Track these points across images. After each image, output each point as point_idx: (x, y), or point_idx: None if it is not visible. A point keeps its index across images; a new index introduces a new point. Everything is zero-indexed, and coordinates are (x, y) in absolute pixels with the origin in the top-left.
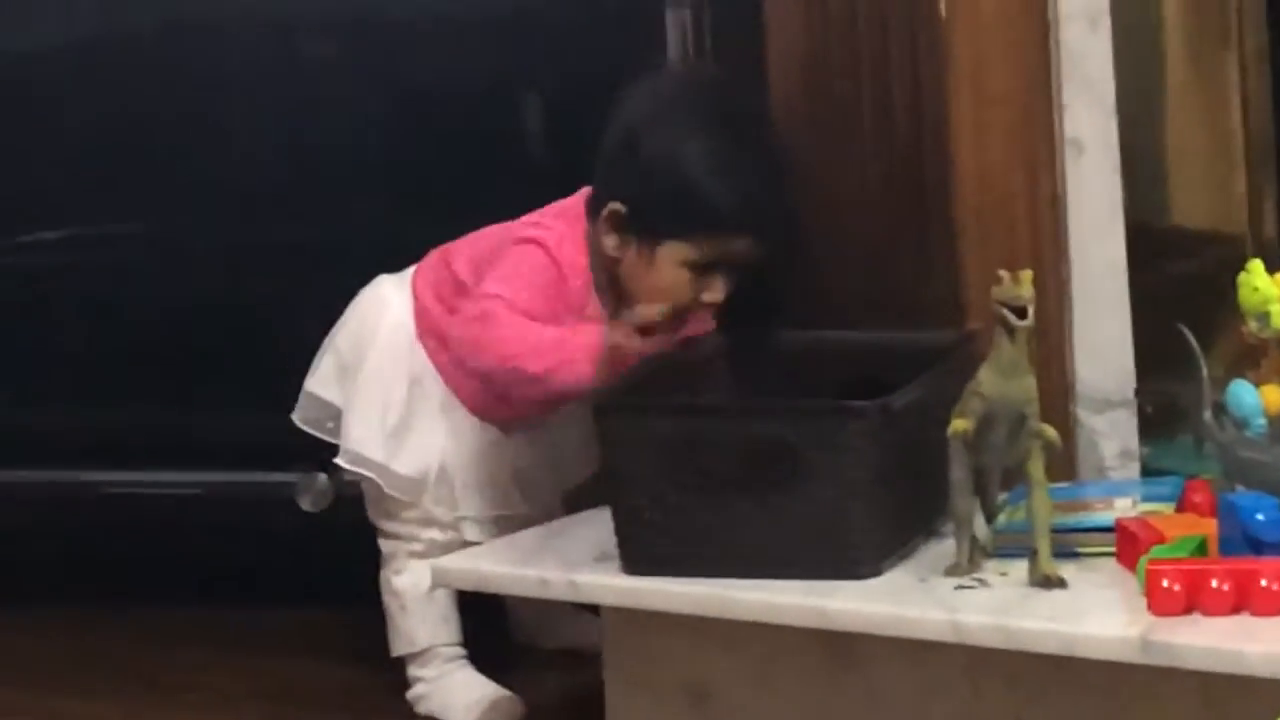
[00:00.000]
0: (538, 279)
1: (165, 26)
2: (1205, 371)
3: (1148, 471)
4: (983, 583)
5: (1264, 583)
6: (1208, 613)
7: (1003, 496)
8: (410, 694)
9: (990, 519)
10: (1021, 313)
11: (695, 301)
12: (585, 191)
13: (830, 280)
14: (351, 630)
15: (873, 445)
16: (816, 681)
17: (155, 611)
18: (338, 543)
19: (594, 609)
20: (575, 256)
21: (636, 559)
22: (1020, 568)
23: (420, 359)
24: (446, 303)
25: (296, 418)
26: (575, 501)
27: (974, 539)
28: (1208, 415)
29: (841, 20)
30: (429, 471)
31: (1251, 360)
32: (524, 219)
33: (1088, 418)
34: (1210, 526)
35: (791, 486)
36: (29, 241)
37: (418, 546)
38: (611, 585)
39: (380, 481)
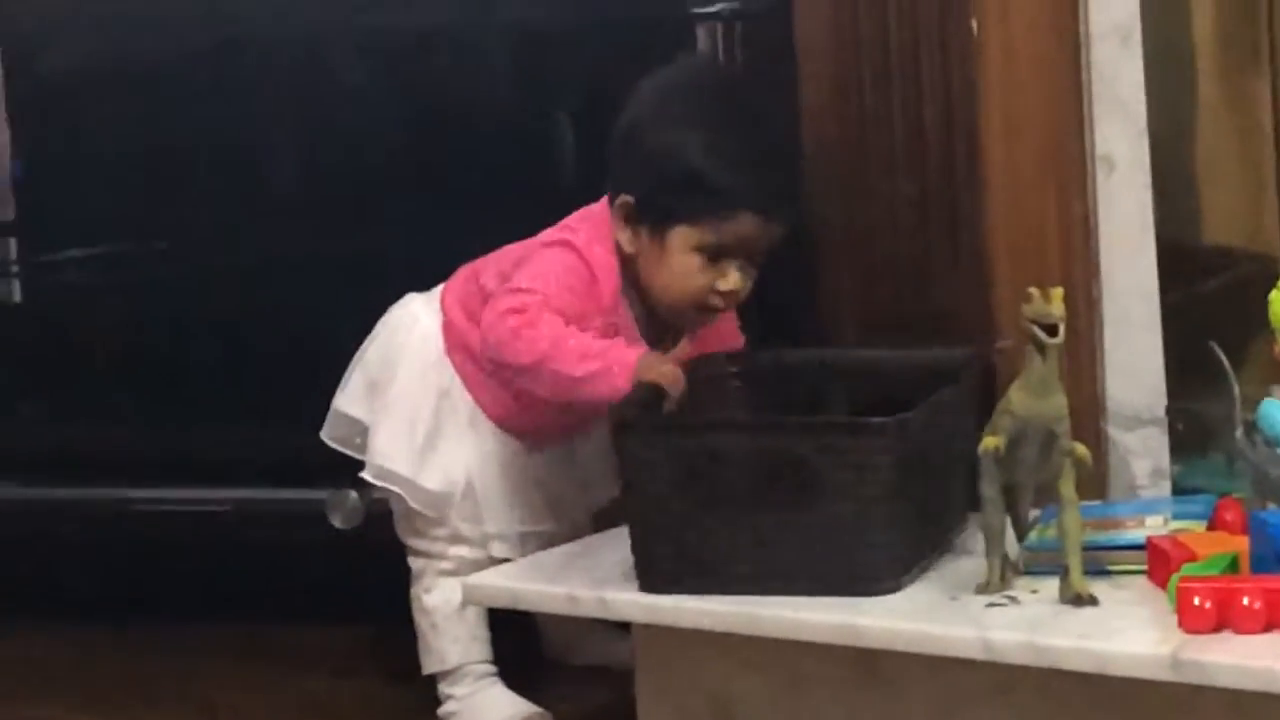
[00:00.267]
0: (569, 279)
1: (192, 46)
2: (1236, 389)
3: (1179, 489)
4: (1013, 600)
5: None
6: (1239, 630)
7: (1034, 514)
8: (441, 711)
9: (1021, 536)
10: (1052, 330)
11: (712, 291)
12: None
13: (861, 298)
14: (383, 648)
15: (891, 462)
16: (846, 699)
17: (186, 628)
18: (369, 560)
19: (625, 625)
20: (605, 257)
21: (654, 576)
22: (1051, 585)
23: (448, 374)
24: (475, 318)
25: (325, 435)
26: (604, 519)
27: (1005, 556)
28: (1239, 433)
29: (872, 40)
30: (455, 487)
31: None
32: (550, 228)
33: (1119, 435)
34: (1242, 544)
35: (810, 503)
36: (59, 260)
37: (447, 564)
38: (641, 603)
39: (406, 496)
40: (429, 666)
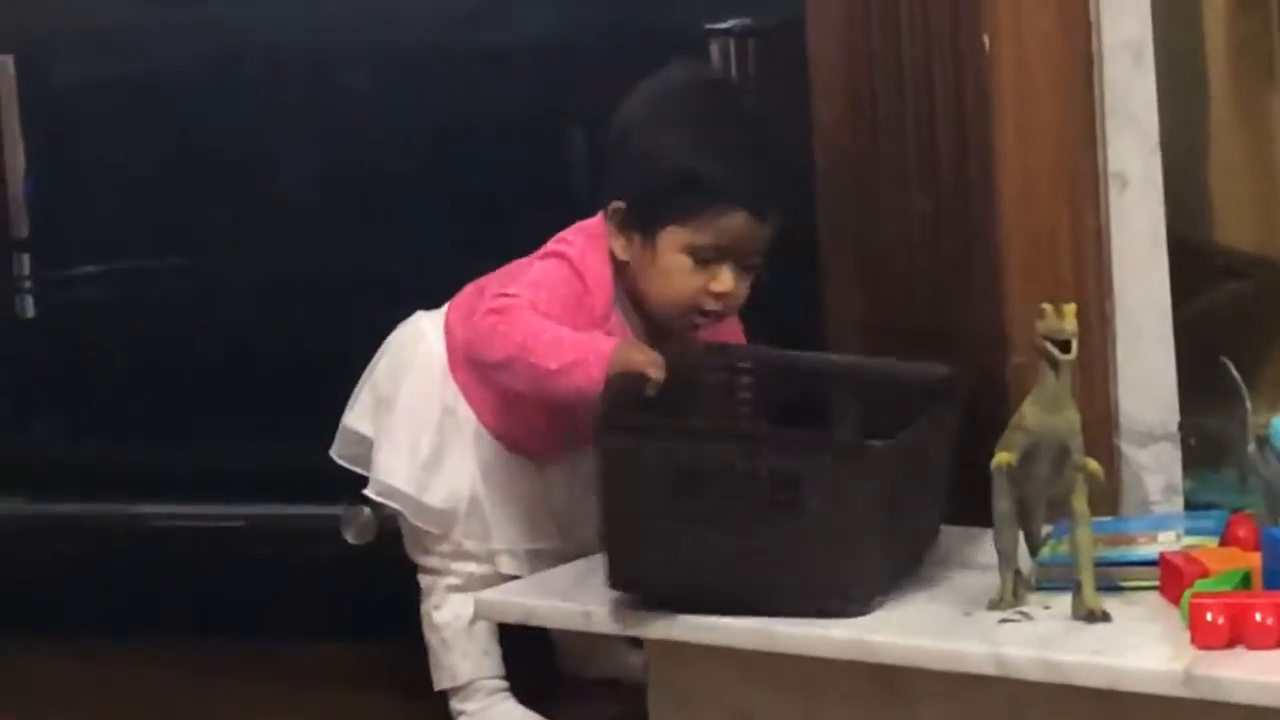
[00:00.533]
0: (561, 289)
1: (205, 61)
2: (1249, 405)
3: (1191, 505)
4: (1026, 616)
5: None
6: (1252, 646)
7: (1046, 530)
8: None
9: (1034, 552)
10: (1065, 346)
11: (705, 294)
12: None
13: (873, 313)
14: (396, 663)
15: (877, 484)
16: (860, 715)
17: (198, 644)
18: (382, 576)
19: (638, 639)
20: (599, 268)
21: (619, 573)
22: (1064, 601)
23: (452, 391)
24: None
25: (335, 453)
26: None
27: (1018, 572)
28: (1251, 449)
29: (885, 55)
30: (460, 503)
31: None
32: (548, 242)
33: (1131, 451)
34: (1254, 560)
35: (785, 520)
36: (72, 275)
37: (455, 580)
38: (655, 619)
39: (408, 513)
40: (440, 682)
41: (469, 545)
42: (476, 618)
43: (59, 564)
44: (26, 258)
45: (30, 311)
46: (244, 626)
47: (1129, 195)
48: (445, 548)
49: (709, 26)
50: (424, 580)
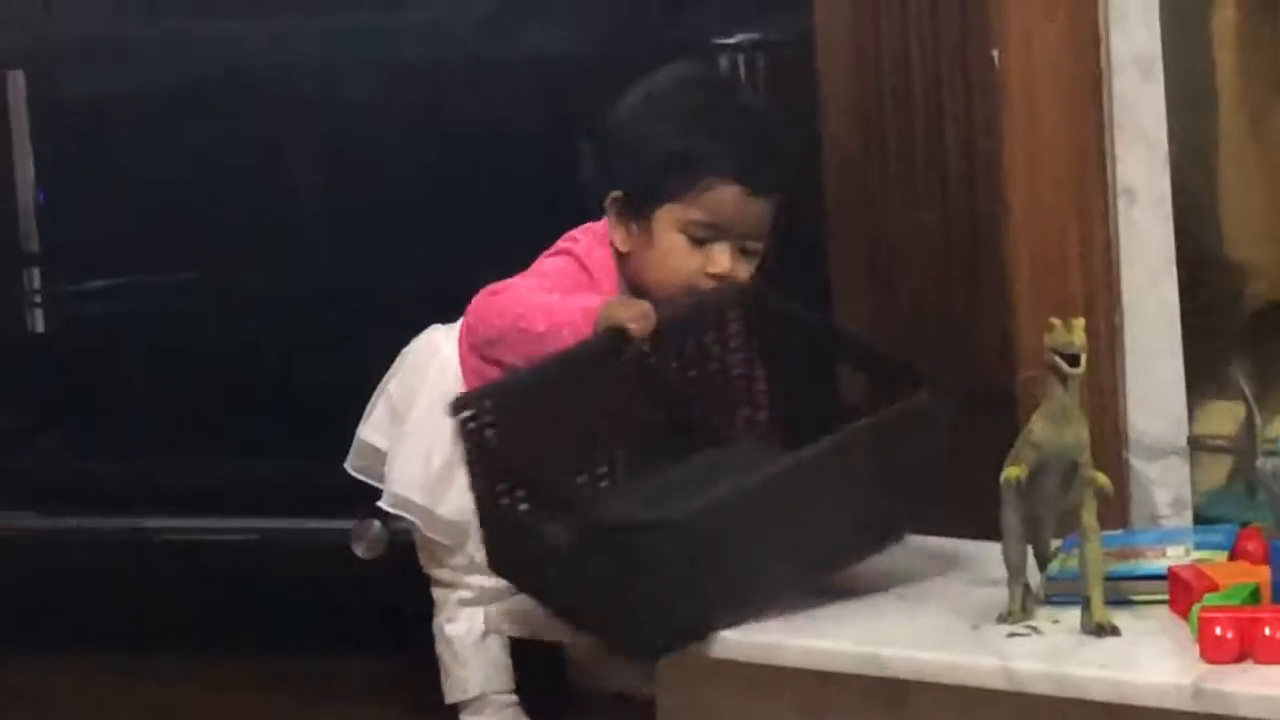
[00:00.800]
0: (565, 281)
1: (216, 75)
2: (1258, 418)
3: (1200, 519)
4: (1035, 630)
5: None
6: (1260, 660)
7: (1055, 544)
8: None
9: (1043, 566)
10: (1074, 360)
11: (703, 275)
12: None
13: (883, 326)
14: (407, 677)
15: (659, 558)
16: None
17: (210, 658)
18: (394, 590)
19: None
20: (604, 262)
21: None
22: (1073, 615)
23: None
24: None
25: (349, 465)
26: None
27: (1026, 586)
28: (1260, 463)
29: (894, 69)
30: (472, 515)
31: None
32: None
33: (1140, 465)
34: (1263, 574)
35: (584, 571)
36: (82, 289)
37: (467, 594)
38: None
39: (421, 525)
40: (451, 696)
41: (481, 558)
42: (487, 631)
43: (68, 578)
44: (36, 272)
45: (40, 325)
46: (255, 640)
47: (1138, 209)
48: (458, 560)
49: (718, 41)
50: (436, 593)
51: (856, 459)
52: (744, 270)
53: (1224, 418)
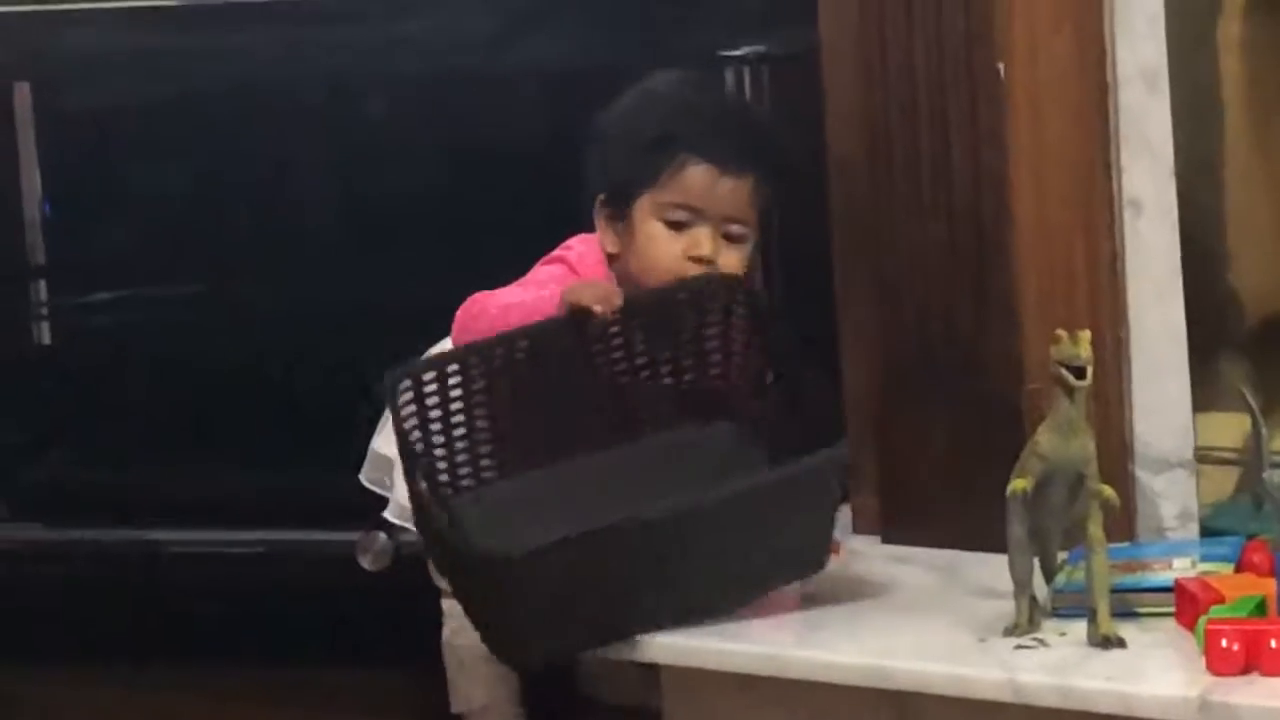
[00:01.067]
0: (549, 286)
1: (223, 89)
2: (1264, 432)
3: (1206, 531)
4: (1041, 642)
5: None
6: (1267, 672)
7: (1062, 556)
8: None
9: (1049, 578)
10: (1080, 373)
11: (686, 260)
12: None
13: (888, 339)
14: (414, 689)
15: (514, 590)
16: None
17: (218, 669)
18: (400, 601)
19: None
20: (596, 266)
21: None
22: (1079, 627)
23: None
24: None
25: (363, 477)
26: None
27: (1033, 598)
28: (1267, 475)
29: (900, 78)
30: None
31: None
32: None
33: (1146, 478)
34: (1269, 586)
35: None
36: (88, 302)
37: None
38: (667, 644)
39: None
40: (456, 706)
41: None
42: None
43: (74, 590)
44: (42, 284)
45: (46, 338)
46: (260, 652)
47: (1144, 221)
48: None
49: (724, 53)
50: (445, 604)
51: (741, 510)
52: (731, 257)
53: (1230, 430)
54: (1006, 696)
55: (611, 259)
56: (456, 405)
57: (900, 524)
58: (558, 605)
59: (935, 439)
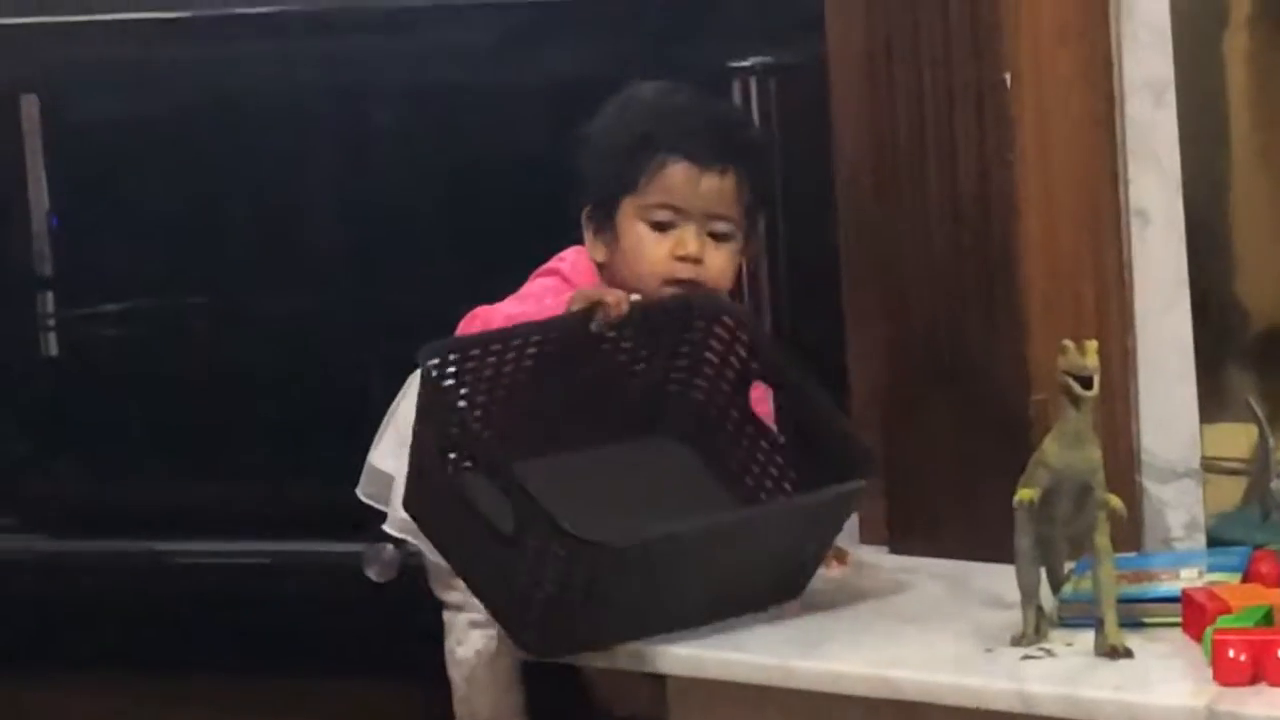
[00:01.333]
0: (548, 298)
1: (229, 99)
2: (1271, 442)
3: (1214, 542)
4: (1049, 652)
5: None
6: (1274, 683)
7: (1069, 566)
8: None
9: (1056, 589)
10: (1087, 383)
11: (672, 260)
12: None
13: (896, 350)
14: (419, 701)
15: (591, 577)
16: None
17: (223, 680)
18: (404, 613)
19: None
20: (589, 276)
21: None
22: (1086, 637)
23: None
24: None
25: (360, 491)
26: None
27: (1040, 608)
28: (1274, 485)
29: (907, 93)
30: None
31: None
32: None
33: (1154, 488)
34: (1277, 597)
35: (509, 557)
36: (95, 313)
37: (477, 616)
38: (673, 654)
39: (426, 549)
40: (462, 718)
41: None
42: (498, 653)
43: (81, 601)
44: (49, 295)
45: (53, 349)
46: (267, 664)
47: (1151, 232)
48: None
49: (731, 64)
50: (447, 616)
51: (781, 525)
52: (716, 257)
53: (1237, 440)
54: (1014, 707)
55: (601, 268)
56: (482, 388)
57: (907, 534)
58: (614, 599)
59: (942, 449)
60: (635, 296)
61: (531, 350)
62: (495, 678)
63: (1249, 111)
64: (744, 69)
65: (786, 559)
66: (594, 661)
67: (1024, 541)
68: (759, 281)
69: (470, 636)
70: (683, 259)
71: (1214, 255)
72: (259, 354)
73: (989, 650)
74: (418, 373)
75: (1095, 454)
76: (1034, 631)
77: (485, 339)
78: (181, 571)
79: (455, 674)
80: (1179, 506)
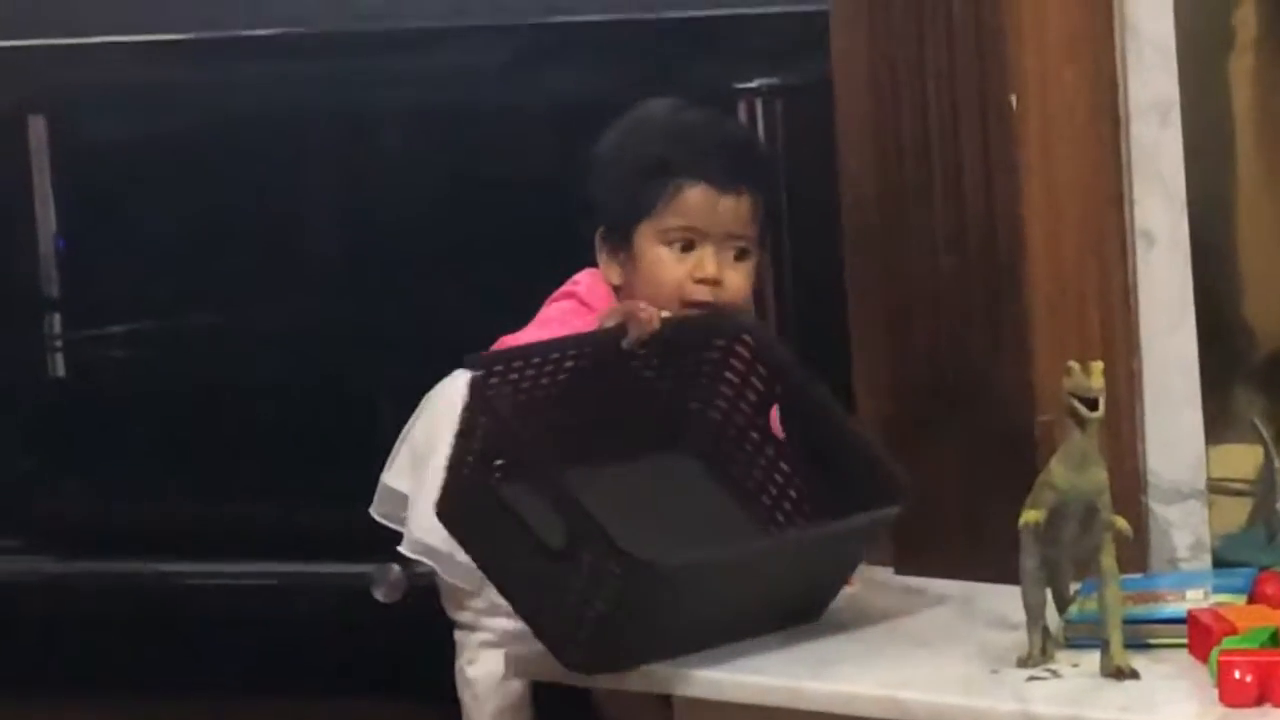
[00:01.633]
0: (571, 320)
1: (236, 120)
2: (1277, 462)
3: (1219, 563)
4: (1055, 673)
5: None
6: (1279, 704)
7: (1075, 587)
8: None
9: (1062, 610)
10: (1092, 404)
11: (690, 281)
12: None
13: (901, 370)
14: None
15: (646, 595)
16: None
17: (231, 701)
18: (413, 633)
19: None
20: (606, 298)
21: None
22: (1092, 659)
23: None
24: None
25: (374, 511)
26: None
27: (1045, 629)
28: None
29: (912, 110)
30: None
31: None
32: None
33: (1159, 509)
34: None
35: (556, 573)
36: (102, 334)
37: (489, 636)
38: (683, 675)
39: (440, 569)
40: None
41: (502, 601)
42: (508, 675)
43: (88, 622)
44: (56, 317)
45: (60, 370)
46: (274, 684)
47: (1156, 253)
48: (479, 603)
49: (737, 86)
50: (459, 636)
51: (820, 548)
52: (735, 277)
53: (1242, 461)
54: None
55: (617, 290)
56: (520, 400)
57: (913, 555)
58: (665, 618)
59: (947, 470)
60: (665, 313)
61: (567, 365)
62: (506, 699)
63: (1254, 132)
64: (749, 90)
65: (818, 581)
66: (610, 684)
67: (1030, 563)
68: (764, 302)
69: (481, 656)
70: (702, 281)
71: (1219, 276)
72: (265, 375)
73: (995, 671)
74: (432, 393)
75: (1101, 475)
76: (1040, 653)
77: (528, 351)
78: (187, 592)
79: (465, 694)
80: (1184, 528)
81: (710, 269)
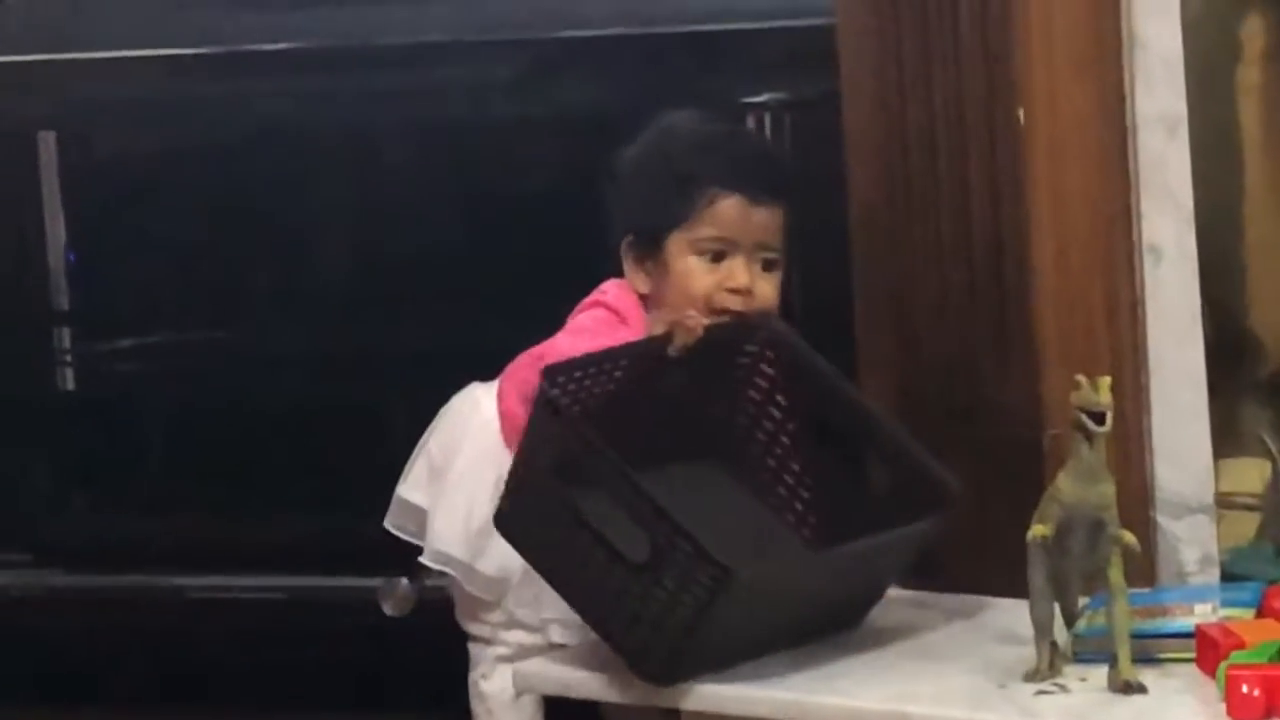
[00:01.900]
0: (603, 328)
1: (246, 135)
2: None
3: (1227, 577)
4: (1062, 688)
5: None
6: None
7: (1082, 602)
8: None
9: (1070, 624)
10: (1100, 419)
11: (721, 291)
12: None
13: (909, 384)
14: None
15: (731, 603)
16: None
17: (240, 715)
18: (425, 647)
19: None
20: (634, 306)
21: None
22: (1100, 673)
23: (507, 460)
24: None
25: (389, 523)
26: None
27: (1054, 644)
28: None
29: (920, 128)
30: (513, 572)
31: None
32: None
33: (1167, 523)
34: None
35: (637, 586)
36: (112, 349)
37: (504, 650)
38: (690, 690)
39: (462, 580)
40: None
41: (520, 614)
42: (517, 690)
43: (101, 637)
44: (66, 331)
45: (70, 384)
46: (284, 698)
47: (1164, 267)
48: (496, 616)
49: (745, 100)
50: (473, 649)
51: (882, 557)
52: (765, 286)
53: (1250, 475)
54: None
55: (644, 299)
56: (576, 409)
57: (920, 569)
58: (741, 626)
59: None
60: (708, 321)
61: (616, 374)
62: (519, 713)
63: (1262, 146)
64: (758, 104)
65: (867, 588)
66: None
67: (1038, 577)
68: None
69: (497, 670)
70: (734, 290)
71: (1227, 290)
72: (274, 388)
73: (1003, 686)
74: (448, 407)
75: (1109, 489)
76: (1048, 667)
77: (591, 360)
78: (197, 606)
79: (478, 707)
80: (1193, 542)
81: (742, 279)
